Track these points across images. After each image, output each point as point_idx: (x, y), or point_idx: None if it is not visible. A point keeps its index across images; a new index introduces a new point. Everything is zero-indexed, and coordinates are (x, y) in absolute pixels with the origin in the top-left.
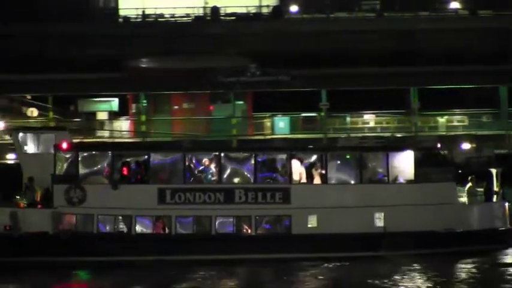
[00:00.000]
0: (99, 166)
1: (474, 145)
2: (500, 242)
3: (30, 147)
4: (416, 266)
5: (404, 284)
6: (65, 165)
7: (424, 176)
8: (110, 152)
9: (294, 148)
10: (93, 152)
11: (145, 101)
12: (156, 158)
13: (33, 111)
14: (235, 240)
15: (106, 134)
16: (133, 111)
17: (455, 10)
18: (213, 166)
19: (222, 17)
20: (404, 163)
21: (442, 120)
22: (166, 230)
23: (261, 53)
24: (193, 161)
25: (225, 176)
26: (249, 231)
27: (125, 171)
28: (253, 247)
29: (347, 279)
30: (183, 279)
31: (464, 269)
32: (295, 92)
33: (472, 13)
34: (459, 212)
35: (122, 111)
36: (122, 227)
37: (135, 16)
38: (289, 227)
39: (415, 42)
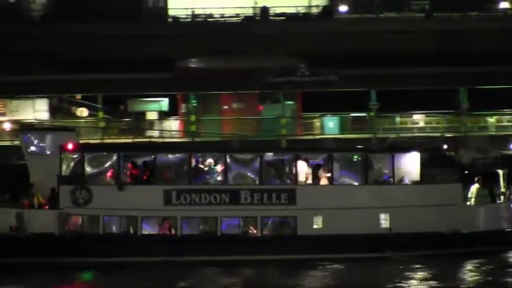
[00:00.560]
0: (105, 167)
1: None
2: (507, 243)
3: (36, 148)
4: (422, 267)
5: (410, 286)
6: (71, 166)
7: (430, 177)
8: (115, 153)
9: (300, 149)
10: (99, 153)
11: (194, 101)
12: (162, 158)
13: (82, 111)
14: (241, 241)
15: (155, 134)
16: (183, 111)
17: (504, 10)
18: (218, 167)
19: (272, 17)
20: (410, 164)
21: (491, 120)
22: (172, 231)
23: (310, 53)
24: (199, 162)
25: (230, 177)
26: (255, 232)
27: (132, 172)
28: (259, 248)
29: (352, 280)
30: (187, 280)
31: (470, 270)
32: (345, 92)
33: None
34: (465, 213)
35: (172, 111)
36: (128, 228)
37: (185, 16)
38: (294, 228)
39: (464, 42)
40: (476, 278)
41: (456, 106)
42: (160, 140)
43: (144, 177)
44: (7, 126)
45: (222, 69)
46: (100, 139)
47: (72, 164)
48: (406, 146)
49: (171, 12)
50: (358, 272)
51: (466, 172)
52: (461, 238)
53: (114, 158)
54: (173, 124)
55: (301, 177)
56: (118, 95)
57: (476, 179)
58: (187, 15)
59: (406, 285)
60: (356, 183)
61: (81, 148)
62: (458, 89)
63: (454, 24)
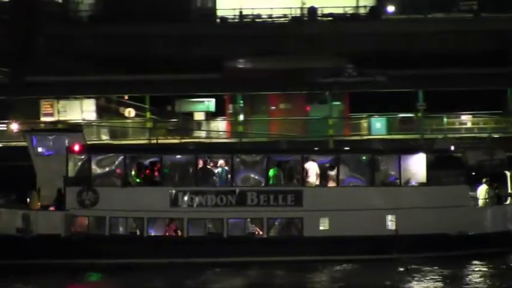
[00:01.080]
0: (111, 168)
1: None
2: None
3: (43, 149)
4: (429, 269)
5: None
6: (78, 167)
7: (437, 179)
8: (122, 155)
9: (307, 150)
10: (106, 155)
11: (242, 102)
12: (168, 160)
13: (130, 112)
14: (247, 242)
15: (203, 134)
16: (230, 111)
17: None
18: (225, 168)
19: (319, 18)
20: (416, 166)
21: None
22: (179, 233)
23: (358, 54)
24: (206, 164)
25: (237, 178)
26: (261, 233)
27: (140, 173)
28: (265, 249)
29: (358, 282)
30: (193, 281)
31: (477, 272)
32: (392, 93)
33: None
34: (472, 215)
35: (219, 112)
36: (134, 229)
37: (233, 17)
38: (301, 229)
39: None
40: (483, 279)
41: (504, 106)
42: (208, 140)
43: (151, 179)
44: (15, 127)
45: (269, 70)
46: (147, 140)
47: (78, 165)
48: (412, 148)
49: (219, 13)
50: (364, 274)
51: (473, 174)
52: (468, 240)
53: (121, 159)
54: (220, 125)
55: (308, 179)
56: (165, 96)
57: (484, 180)
58: (235, 15)
59: (413, 287)
60: (363, 185)
61: (88, 149)
62: (506, 89)
63: (502, 24)
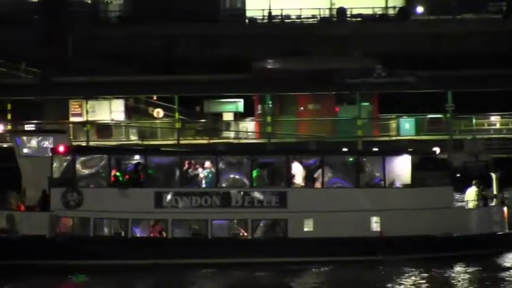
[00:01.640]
0: (96, 169)
1: None
2: (498, 246)
3: (28, 150)
4: (413, 271)
5: None
6: (62, 169)
7: (421, 180)
8: (106, 156)
9: (292, 151)
10: (90, 155)
11: (270, 102)
12: (153, 161)
13: (159, 112)
14: (232, 243)
15: (231, 135)
16: (259, 112)
17: None
18: (209, 170)
19: (348, 18)
20: (401, 167)
21: None
22: (163, 234)
23: (387, 54)
24: (190, 165)
25: (221, 179)
26: (246, 234)
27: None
28: (250, 251)
29: (342, 283)
30: (178, 283)
31: (462, 274)
32: (421, 94)
33: None
34: (456, 216)
35: (248, 112)
36: (119, 230)
37: (262, 17)
38: (285, 230)
39: None
40: (468, 282)
41: None
42: (236, 141)
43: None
44: (0, 128)
45: (298, 70)
46: (176, 140)
47: (63, 166)
48: (397, 149)
49: (248, 13)
50: (348, 276)
51: (458, 175)
52: (453, 241)
53: (105, 160)
54: (249, 125)
55: (293, 180)
56: (194, 96)
57: (473, 182)
58: (264, 16)
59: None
60: (347, 186)
61: (73, 150)
62: None
63: None
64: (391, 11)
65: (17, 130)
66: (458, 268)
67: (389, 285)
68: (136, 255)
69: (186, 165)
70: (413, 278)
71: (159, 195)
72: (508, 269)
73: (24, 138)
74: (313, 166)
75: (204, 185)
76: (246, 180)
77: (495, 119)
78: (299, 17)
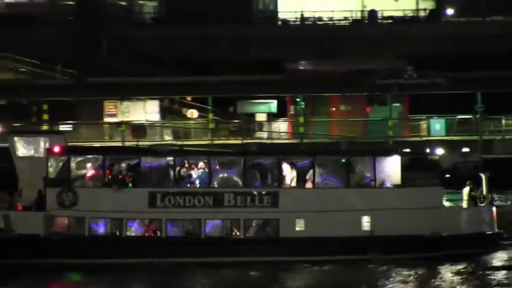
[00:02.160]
0: (91, 170)
1: None
2: (487, 246)
3: (24, 151)
4: (403, 270)
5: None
6: (58, 169)
7: (411, 181)
8: (101, 156)
9: (283, 152)
10: (85, 156)
11: (303, 103)
12: (146, 162)
13: (193, 113)
14: (224, 243)
15: (264, 135)
16: (291, 112)
17: None
18: (202, 170)
19: (379, 20)
20: (391, 168)
21: None
22: (157, 233)
23: (417, 56)
24: (184, 165)
25: (214, 180)
26: (238, 234)
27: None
28: (242, 250)
29: (333, 282)
30: (171, 282)
31: (452, 273)
32: (451, 94)
33: None
34: (446, 216)
35: (280, 113)
36: (114, 230)
37: (294, 19)
38: (277, 230)
39: None
40: (457, 281)
41: None
42: (269, 141)
43: (127, 179)
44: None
45: (330, 72)
46: (210, 140)
47: (58, 166)
48: (387, 150)
49: (280, 15)
50: (339, 274)
51: (448, 176)
52: (442, 241)
53: (100, 161)
54: (282, 125)
55: (285, 180)
56: (228, 97)
57: (467, 182)
58: (296, 18)
59: (386, 286)
60: (338, 186)
61: (68, 151)
62: None
63: None
64: (421, 13)
65: (13, 131)
66: (447, 267)
67: (379, 283)
68: (131, 254)
69: (180, 166)
70: (402, 277)
71: (153, 195)
72: (496, 268)
73: (20, 138)
74: (304, 167)
75: (197, 185)
76: (238, 181)
77: None
78: (331, 19)
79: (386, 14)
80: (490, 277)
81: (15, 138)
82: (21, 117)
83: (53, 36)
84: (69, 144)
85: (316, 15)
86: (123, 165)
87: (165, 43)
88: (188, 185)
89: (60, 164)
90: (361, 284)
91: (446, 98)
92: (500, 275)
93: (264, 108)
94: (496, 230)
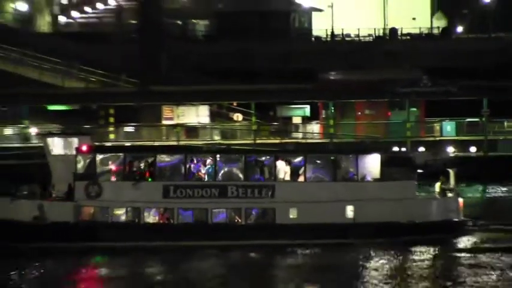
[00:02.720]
0: (113, 166)
1: None
2: (454, 231)
3: (57, 150)
4: (381, 252)
5: (369, 268)
6: (85, 165)
7: (389, 175)
8: (122, 154)
9: (279, 151)
10: (109, 154)
11: (333, 108)
12: (161, 159)
13: (238, 116)
14: (228, 228)
15: (299, 135)
16: (323, 116)
17: None
18: (210, 166)
19: (399, 37)
20: (371, 164)
21: None
22: (170, 220)
23: (432, 67)
24: (193, 162)
25: (219, 174)
26: (240, 221)
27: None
28: (243, 234)
29: (321, 262)
30: (182, 262)
31: (423, 254)
32: (461, 100)
33: None
34: (419, 206)
35: (313, 117)
36: (133, 217)
37: (325, 36)
38: (273, 217)
39: None
40: (428, 260)
41: None
42: (303, 141)
43: (147, 174)
44: (33, 131)
45: (357, 81)
46: (252, 140)
47: (86, 163)
48: (368, 149)
49: (314, 33)
50: (326, 256)
51: (421, 171)
52: (415, 227)
53: (121, 158)
54: (314, 127)
55: (280, 175)
56: (268, 102)
57: (441, 177)
58: (327, 34)
59: (367, 267)
60: (326, 180)
61: (94, 150)
62: None
63: None
64: (435, 31)
65: (47, 132)
66: (420, 249)
67: (361, 263)
68: (148, 238)
69: (190, 162)
70: (381, 258)
71: (167, 188)
72: (461, 250)
73: (53, 139)
74: (297, 163)
75: (205, 179)
76: (240, 175)
77: None
78: (357, 35)
79: (405, 31)
80: (456, 258)
81: (49, 139)
82: (90, 120)
83: (119, 51)
84: (96, 144)
85: (345, 32)
86: (141, 161)
87: (214, 56)
88: (197, 179)
89: (87, 160)
90: (343, 264)
91: (457, 103)
92: (465, 256)
93: (299, 112)
94: (462, 218)
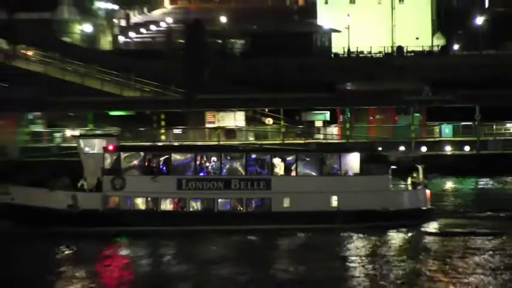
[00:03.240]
0: (135, 162)
1: None
2: (422, 218)
3: (88, 149)
4: (361, 235)
5: (350, 248)
6: (111, 162)
7: (367, 170)
8: (142, 152)
9: (275, 150)
10: (131, 152)
11: (349, 113)
12: (175, 156)
13: (269, 120)
14: (232, 215)
15: (321, 136)
16: (341, 120)
17: None
18: (216, 162)
19: (405, 53)
20: (352, 161)
21: None
22: (183, 208)
23: (433, 79)
24: (202, 159)
25: (224, 169)
26: (241, 209)
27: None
28: (244, 220)
29: (310, 244)
30: (193, 243)
31: (396, 237)
32: (457, 107)
33: None
34: (392, 196)
35: (332, 121)
36: (151, 205)
37: (343, 52)
38: (270, 206)
39: None
40: (399, 242)
41: None
42: (324, 141)
43: (164, 170)
44: (69, 133)
45: (369, 91)
46: (281, 140)
47: (112, 160)
48: (349, 148)
49: (333, 50)
50: (314, 238)
51: (394, 167)
52: (390, 214)
53: (141, 156)
54: (334, 130)
55: (275, 170)
56: (294, 109)
57: (413, 172)
58: (344, 51)
59: (349, 247)
60: (314, 175)
61: (119, 149)
62: None
63: None
64: (435, 48)
65: (80, 134)
66: (393, 233)
67: (343, 244)
68: (164, 223)
69: (200, 160)
70: (360, 240)
71: (180, 181)
72: (428, 234)
73: (85, 140)
74: (290, 160)
75: (212, 173)
76: (242, 170)
77: (510, 125)
78: (370, 52)
79: (410, 48)
80: (424, 241)
81: (81, 140)
82: (145, 124)
83: (169, 66)
84: (120, 144)
85: (359, 49)
86: (159, 159)
87: (249, 70)
88: (205, 173)
89: (113, 158)
90: (329, 245)
91: (454, 109)
92: (432, 239)
93: (320, 117)
94: (429, 206)
